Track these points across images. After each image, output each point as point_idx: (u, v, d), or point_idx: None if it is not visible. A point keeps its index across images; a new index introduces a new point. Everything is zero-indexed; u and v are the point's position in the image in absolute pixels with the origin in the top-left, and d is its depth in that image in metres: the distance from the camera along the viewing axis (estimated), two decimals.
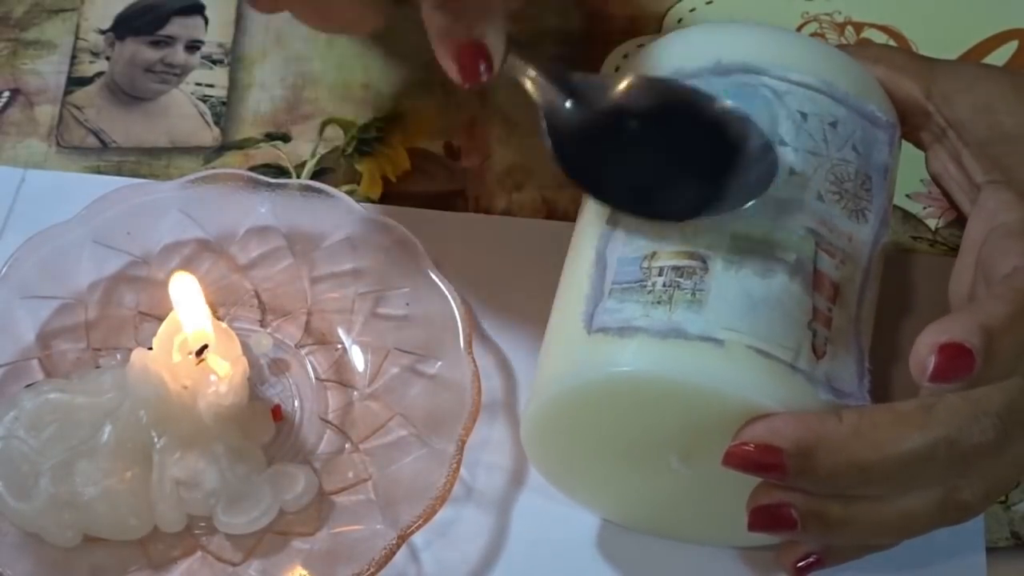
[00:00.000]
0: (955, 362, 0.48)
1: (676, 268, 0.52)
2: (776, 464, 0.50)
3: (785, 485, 0.51)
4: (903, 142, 0.59)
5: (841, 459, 0.49)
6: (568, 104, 0.56)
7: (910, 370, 0.49)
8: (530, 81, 0.56)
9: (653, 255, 0.52)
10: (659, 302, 0.51)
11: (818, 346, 0.52)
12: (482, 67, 0.54)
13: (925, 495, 0.52)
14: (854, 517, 0.51)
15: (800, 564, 0.54)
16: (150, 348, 0.59)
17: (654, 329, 0.51)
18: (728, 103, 0.54)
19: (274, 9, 0.57)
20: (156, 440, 0.58)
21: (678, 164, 0.55)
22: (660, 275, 0.52)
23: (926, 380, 0.49)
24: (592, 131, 0.55)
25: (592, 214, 0.56)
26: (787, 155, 0.54)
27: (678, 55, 0.57)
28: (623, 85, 0.56)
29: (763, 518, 0.51)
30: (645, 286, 0.52)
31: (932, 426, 0.50)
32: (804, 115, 0.55)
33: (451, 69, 0.54)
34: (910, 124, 0.59)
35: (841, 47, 0.60)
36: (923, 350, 0.48)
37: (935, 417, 0.50)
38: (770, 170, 0.53)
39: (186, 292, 0.59)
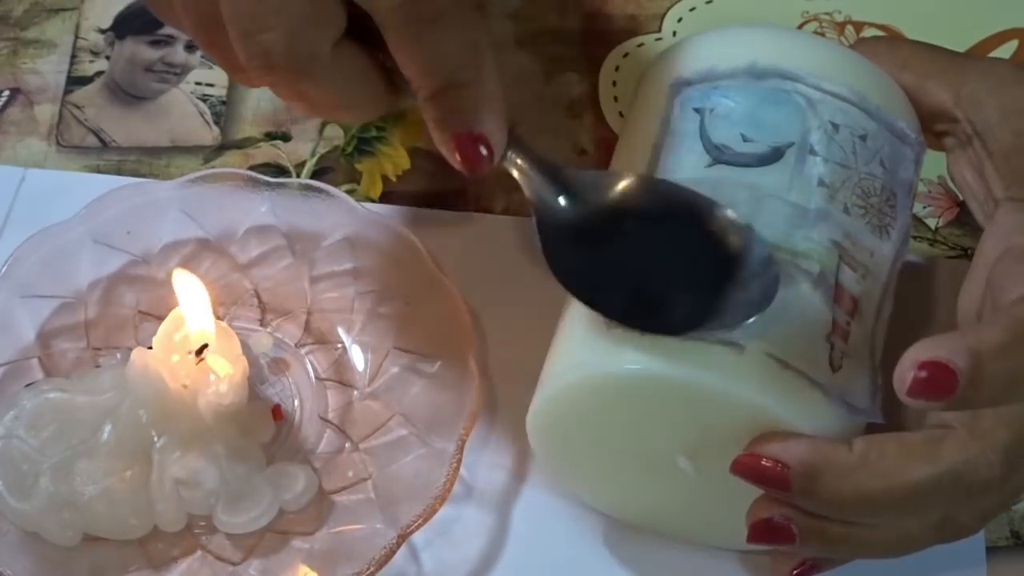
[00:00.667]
0: (936, 380, 0.47)
1: None
2: (781, 480, 0.50)
3: (787, 502, 0.51)
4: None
5: (846, 486, 0.50)
6: (561, 200, 0.54)
7: (893, 384, 0.48)
8: (521, 174, 0.54)
9: None
10: None
11: (835, 359, 0.52)
12: (484, 155, 0.52)
13: (924, 519, 0.52)
14: (853, 536, 0.52)
15: (796, 571, 0.54)
16: (150, 347, 0.59)
17: None
18: (729, 212, 0.52)
19: (258, 84, 0.54)
20: (156, 440, 0.58)
21: (675, 272, 0.53)
22: None
23: (904, 394, 0.47)
24: (585, 230, 0.53)
25: None
26: (817, 165, 0.54)
27: (713, 54, 0.57)
28: (621, 184, 0.54)
29: (763, 530, 0.52)
30: None
31: (939, 460, 0.50)
32: (836, 126, 0.55)
33: (452, 159, 0.53)
34: (938, 129, 0.59)
35: (870, 43, 0.60)
36: (906, 364, 0.47)
37: (942, 451, 0.50)
38: (772, 284, 0.51)
39: (189, 288, 0.59)
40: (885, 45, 0.61)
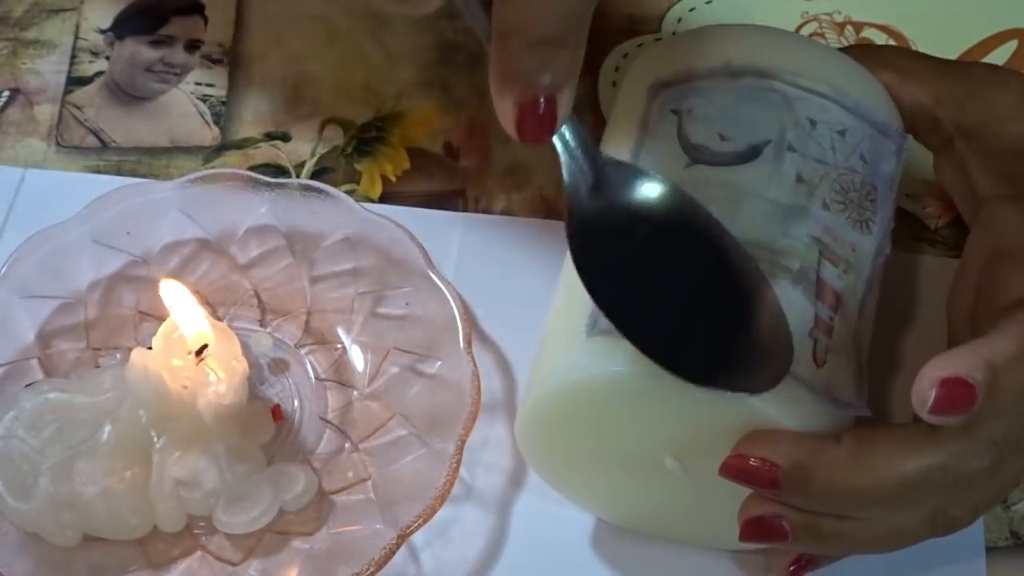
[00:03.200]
0: (956, 396, 0.47)
1: None
2: (771, 479, 0.50)
3: (778, 499, 0.51)
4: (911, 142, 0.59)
5: (836, 480, 0.50)
6: (596, 191, 0.51)
7: (912, 402, 0.48)
8: (567, 154, 0.50)
9: None
10: None
11: (819, 355, 0.51)
12: (546, 123, 0.49)
13: (915, 512, 0.52)
14: (845, 531, 0.52)
15: (792, 568, 0.54)
16: (150, 348, 0.59)
17: None
18: (750, 256, 0.51)
19: None
20: (156, 440, 0.58)
21: (695, 308, 0.50)
22: None
23: (926, 413, 0.48)
24: (613, 229, 0.51)
25: None
26: (795, 162, 0.54)
27: (689, 55, 0.57)
28: (658, 190, 0.51)
29: (754, 529, 0.52)
30: None
31: (929, 452, 0.50)
32: (813, 122, 0.55)
33: (508, 118, 0.49)
34: (919, 129, 0.59)
35: (852, 48, 0.60)
36: (925, 383, 0.48)
37: (932, 443, 0.50)
38: (786, 356, 0.49)
39: (177, 299, 0.59)
40: (866, 49, 0.61)
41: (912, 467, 0.50)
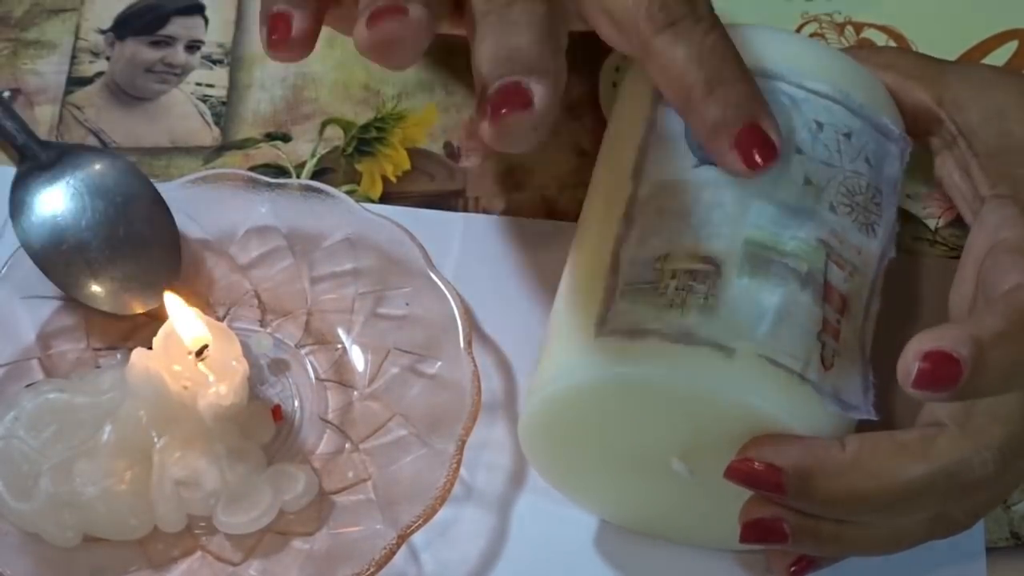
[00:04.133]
0: (941, 370, 0.47)
1: (689, 271, 0.52)
2: (775, 484, 0.50)
3: (781, 502, 0.51)
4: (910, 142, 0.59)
5: (839, 487, 0.50)
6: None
7: (897, 376, 0.48)
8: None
9: (666, 257, 0.52)
10: (671, 305, 0.51)
11: (827, 357, 0.51)
12: (774, 142, 0.52)
13: (917, 517, 0.52)
14: (845, 534, 0.52)
15: (793, 569, 0.54)
16: (150, 348, 0.59)
17: (665, 332, 0.51)
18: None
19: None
20: (156, 440, 0.58)
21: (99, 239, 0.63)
22: (673, 278, 0.52)
23: (909, 386, 0.47)
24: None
25: (600, 214, 0.56)
26: (802, 164, 0.54)
27: None
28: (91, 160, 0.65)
29: (755, 531, 0.52)
30: (657, 288, 0.52)
31: (932, 458, 0.50)
32: (820, 125, 0.55)
33: (731, 158, 0.52)
34: (921, 130, 0.59)
35: (853, 50, 0.60)
36: (910, 356, 0.47)
37: (936, 450, 0.50)
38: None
39: (178, 310, 0.59)
40: (868, 50, 0.61)
41: (916, 474, 0.50)
